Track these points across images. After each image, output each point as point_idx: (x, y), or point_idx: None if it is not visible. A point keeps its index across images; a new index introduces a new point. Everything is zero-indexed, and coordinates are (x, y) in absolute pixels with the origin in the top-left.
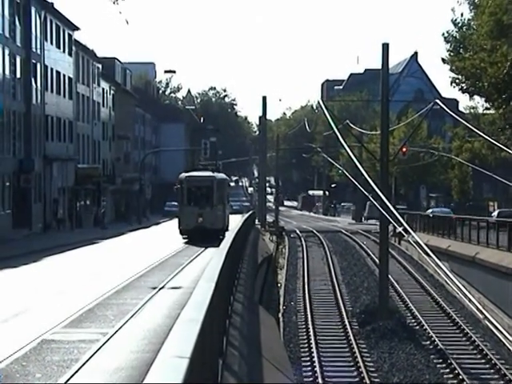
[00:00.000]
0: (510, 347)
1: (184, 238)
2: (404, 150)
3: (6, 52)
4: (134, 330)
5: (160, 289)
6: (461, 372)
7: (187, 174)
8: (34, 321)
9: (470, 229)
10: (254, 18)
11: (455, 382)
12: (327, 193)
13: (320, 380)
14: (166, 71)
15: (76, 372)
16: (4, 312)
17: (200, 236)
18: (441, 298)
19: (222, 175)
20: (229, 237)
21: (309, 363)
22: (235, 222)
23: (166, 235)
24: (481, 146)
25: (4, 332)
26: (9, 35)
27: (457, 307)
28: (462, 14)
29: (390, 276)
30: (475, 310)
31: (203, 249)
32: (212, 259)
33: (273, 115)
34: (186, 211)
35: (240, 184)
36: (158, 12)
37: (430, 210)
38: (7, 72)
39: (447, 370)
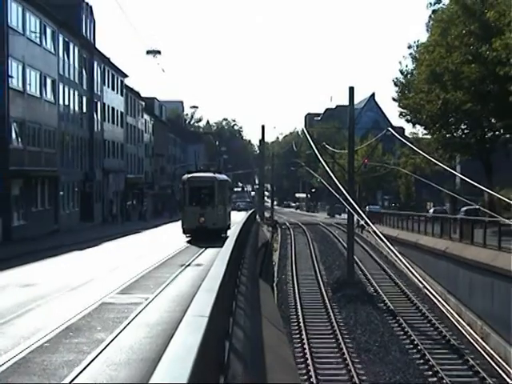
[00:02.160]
0: (442, 308)
1: (187, 237)
2: (366, 161)
3: (76, 94)
4: (168, 296)
5: (186, 266)
6: (406, 325)
7: (189, 175)
8: (95, 288)
9: (412, 221)
10: (259, 64)
11: (401, 332)
12: (309, 195)
13: (303, 332)
14: (191, 107)
15: (126, 326)
16: (74, 282)
17: (201, 235)
18: (392, 273)
19: (223, 176)
20: (235, 229)
21: (295, 320)
22: (241, 217)
23: None
24: (420, 162)
25: (74, 297)
26: (78, 81)
27: (403, 279)
28: (406, 66)
29: (355, 257)
30: (417, 281)
31: None
32: (224, 245)
33: (269, 138)
34: (188, 211)
35: (245, 189)
36: (186, 61)
37: (367, 207)
38: (76, 108)
39: (396, 325)
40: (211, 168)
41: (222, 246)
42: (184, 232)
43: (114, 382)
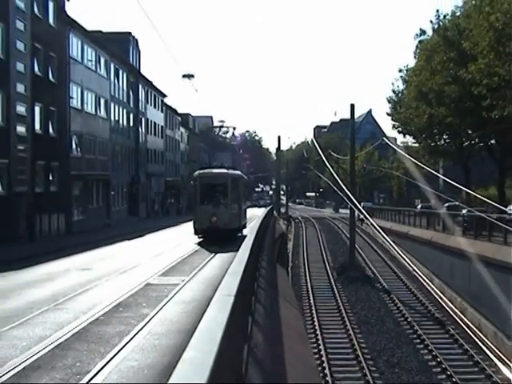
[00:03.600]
0: (428, 288)
1: (199, 238)
2: (365, 166)
3: (124, 111)
4: (200, 278)
5: (216, 253)
6: (398, 302)
7: (201, 171)
8: (141, 272)
9: (403, 215)
10: (277, 85)
11: (394, 307)
12: (317, 194)
13: (313, 307)
14: (219, 121)
15: (166, 303)
16: (124, 267)
17: (213, 236)
18: (386, 258)
19: (237, 172)
20: (255, 223)
21: (306, 297)
22: (261, 212)
23: None
24: (410, 166)
25: (123, 279)
26: (126, 101)
27: (396, 263)
28: (398, 86)
29: (356, 245)
30: (407, 265)
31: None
32: (247, 236)
33: (284, 147)
34: (199, 210)
35: (264, 189)
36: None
37: (361, 204)
38: (125, 123)
39: (390, 301)
40: (225, 164)
41: (236, 250)
42: (195, 233)
43: (157, 348)
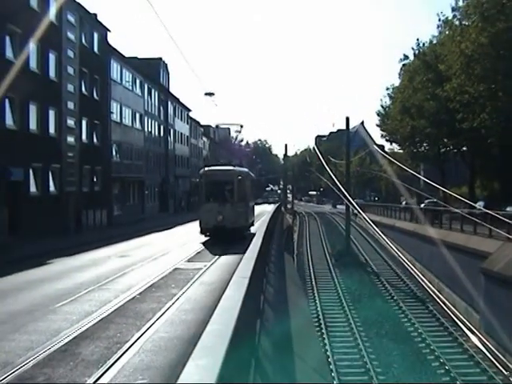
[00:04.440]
0: (410, 271)
1: (206, 236)
2: (358, 169)
3: (156, 123)
4: (220, 264)
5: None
6: (386, 283)
7: (206, 169)
8: (170, 258)
9: (391, 210)
10: (284, 100)
11: (383, 287)
12: (318, 193)
13: (315, 288)
14: (235, 131)
15: (191, 284)
16: (155, 254)
17: (220, 235)
18: (376, 246)
19: (244, 169)
20: (267, 216)
21: (309, 279)
22: (271, 207)
23: None
24: (396, 169)
25: (155, 264)
26: (157, 115)
27: (385, 251)
28: (385, 102)
29: (351, 235)
30: (394, 252)
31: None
32: (259, 228)
33: (290, 153)
34: (205, 209)
35: (273, 189)
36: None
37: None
38: (156, 133)
39: (379, 282)
40: (233, 161)
41: (243, 252)
42: (201, 232)
43: (184, 322)
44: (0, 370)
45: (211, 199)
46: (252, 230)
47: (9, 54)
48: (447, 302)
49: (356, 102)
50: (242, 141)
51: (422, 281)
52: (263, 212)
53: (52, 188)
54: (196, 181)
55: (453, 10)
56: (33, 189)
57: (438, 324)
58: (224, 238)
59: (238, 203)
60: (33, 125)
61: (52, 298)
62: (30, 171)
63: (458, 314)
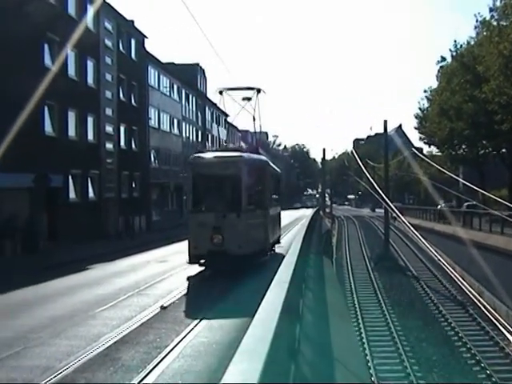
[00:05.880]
0: (451, 275)
1: (200, 265)
2: (396, 172)
3: (194, 129)
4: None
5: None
6: (425, 287)
7: (197, 155)
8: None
9: (429, 213)
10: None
11: (422, 291)
12: (357, 197)
13: (354, 291)
14: (273, 136)
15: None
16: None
17: (219, 265)
18: (415, 250)
19: (259, 157)
20: (305, 221)
21: (348, 283)
22: (309, 211)
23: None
24: (434, 172)
25: (193, 269)
26: (195, 120)
27: (424, 254)
28: (423, 104)
29: (390, 239)
30: (433, 255)
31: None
32: (297, 234)
33: (328, 157)
34: (194, 222)
35: (312, 193)
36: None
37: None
38: (194, 139)
39: (419, 286)
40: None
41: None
42: (190, 260)
43: (223, 327)
44: (41, 374)
45: (203, 206)
46: (279, 247)
47: (47, 61)
48: (488, 306)
49: (394, 106)
50: (279, 145)
51: (462, 284)
52: (302, 216)
53: (91, 194)
54: (183, 175)
55: (490, 10)
56: (72, 195)
57: (479, 328)
58: (225, 270)
59: (249, 212)
60: (72, 132)
61: (92, 304)
62: (70, 178)
63: (498, 317)
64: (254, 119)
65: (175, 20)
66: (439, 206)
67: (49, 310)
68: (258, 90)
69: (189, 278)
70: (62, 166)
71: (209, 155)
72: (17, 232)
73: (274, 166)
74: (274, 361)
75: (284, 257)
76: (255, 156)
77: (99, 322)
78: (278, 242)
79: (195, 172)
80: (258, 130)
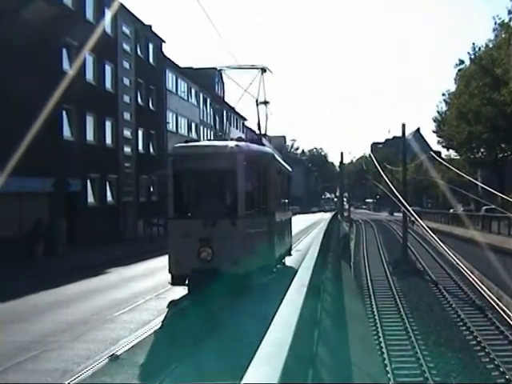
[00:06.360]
0: (469, 278)
1: (185, 287)
2: (415, 176)
3: (212, 133)
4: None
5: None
6: (444, 291)
7: (179, 145)
8: None
9: (448, 217)
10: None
11: (441, 295)
12: (375, 200)
13: (372, 296)
14: (291, 140)
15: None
16: None
17: (205, 286)
18: (434, 254)
19: (261, 148)
20: (324, 224)
21: (366, 287)
22: (327, 215)
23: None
24: (453, 175)
25: None
26: (213, 124)
27: (443, 259)
28: (441, 108)
29: (408, 243)
30: (451, 259)
31: (309, 230)
32: (315, 237)
33: (346, 161)
34: (175, 232)
35: (330, 197)
36: (286, 106)
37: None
38: None
39: (437, 291)
40: (242, 136)
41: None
42: (173, 281)
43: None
44: (59, 377)
45: (188, 211)
46: (289, 259)
47: (66, 65)
48: (507, 310)
49: (411, 109)
50: (297, 149)
51: (481, 288)
52: (320, 220)
53: (109, 198)
54: (162, 172)
55: (509, 12)
56: (90, 199)
57: (498, 332)
58: (215, 294)
59: (248, 219)
60: (90, 136)
61: (110, 307)
62: (88, 182)
63: None
64: (257, 103)
65: (193, 24)
66: (451, 210)
67: (67, 314)
68: (264, 70)
69: (170, 305)
70: (81, 171)
71: (195, 145)
72: (39, 236)
73: (282, 162)
74: (293, 365)
75: (296, 271)
76: (256, 146)
77: (117, 326)
78: (289, 254)
79: (177, 167)
80: (265, 116)
